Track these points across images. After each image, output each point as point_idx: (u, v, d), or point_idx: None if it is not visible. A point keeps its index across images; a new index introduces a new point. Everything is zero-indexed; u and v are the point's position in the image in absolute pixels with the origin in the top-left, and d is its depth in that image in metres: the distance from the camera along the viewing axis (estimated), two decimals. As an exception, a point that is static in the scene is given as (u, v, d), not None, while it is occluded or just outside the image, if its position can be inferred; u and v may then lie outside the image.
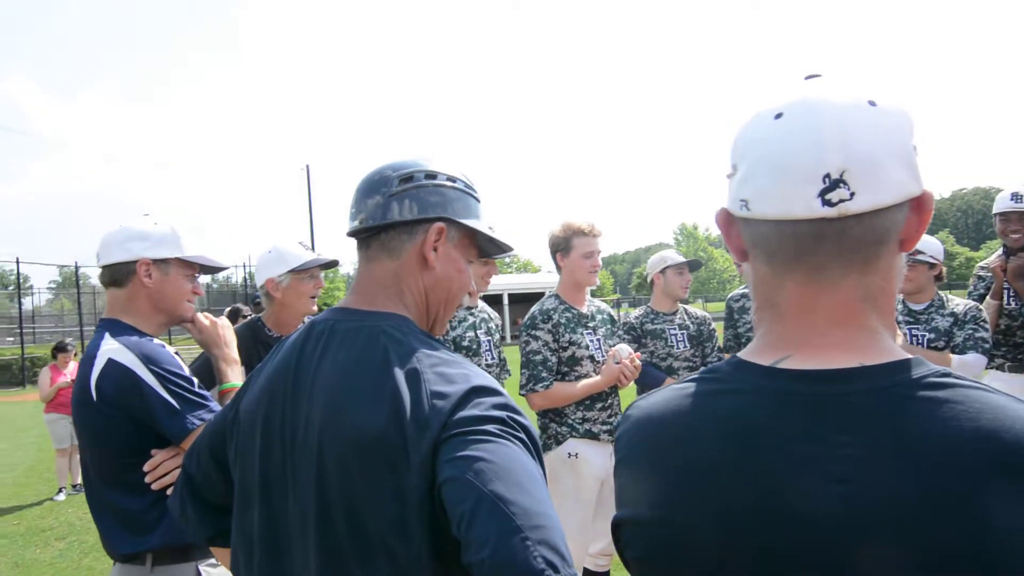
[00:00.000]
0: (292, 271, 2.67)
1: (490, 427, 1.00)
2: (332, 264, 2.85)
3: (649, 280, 3.89)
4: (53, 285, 46.36)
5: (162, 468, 1.80)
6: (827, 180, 0.70)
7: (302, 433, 1.12)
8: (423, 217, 1.22)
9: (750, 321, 3.48)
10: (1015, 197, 3.88)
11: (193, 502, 1.34)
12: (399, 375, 1.07)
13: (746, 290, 3.94)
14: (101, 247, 1.96)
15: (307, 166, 33.37)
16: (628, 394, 3.35)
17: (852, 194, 0.70)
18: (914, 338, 3.40)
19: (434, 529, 1.00)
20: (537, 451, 1.04)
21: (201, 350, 2.16)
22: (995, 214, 3.98)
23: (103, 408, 1.77)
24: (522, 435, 1.02)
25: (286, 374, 1.18)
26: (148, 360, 1.79)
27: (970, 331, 3.32)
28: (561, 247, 3.31)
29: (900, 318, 3.45)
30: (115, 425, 1.78)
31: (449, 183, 1.25)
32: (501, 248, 1.37)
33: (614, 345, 3.36)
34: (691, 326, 3.75)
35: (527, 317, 3.32)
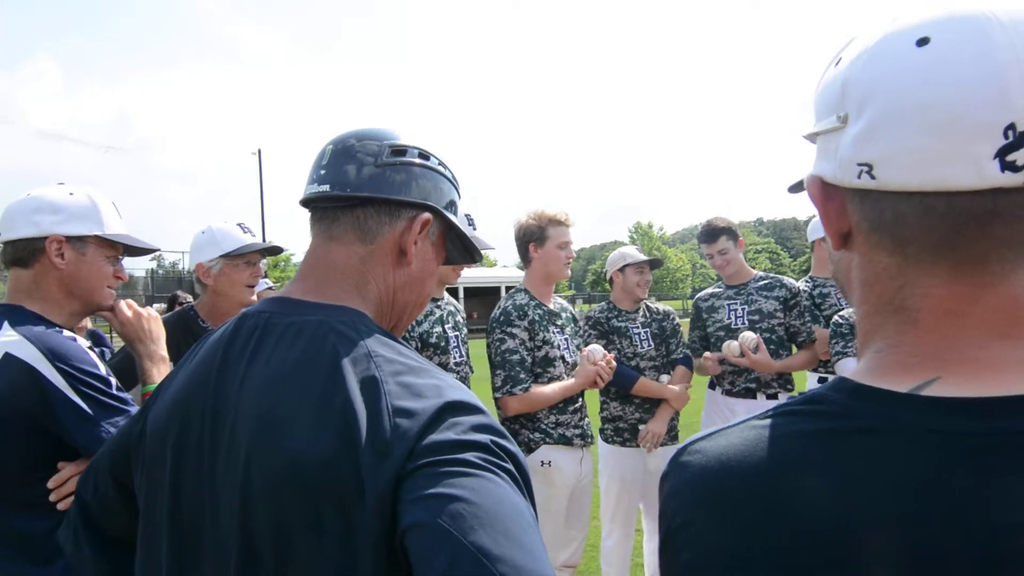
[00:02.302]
0: (225, 256, 2.38)
1: (470, 456, 0.78)
2: (274, 251, 2.58)
3: (608, 277, 3.70)
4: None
5: (70, 485, 1.51)
6: (1011, 134, 0.50)
7: (224, 457, 0.88)
8: (412, 200, 1.00)
9: (720, 320, 3.33)
10: None
11: (88, 535, 1.09)
12: (352, 385, 0.84)
13: (716, 289, 3.83)
14: (3, 219, 1.65)
15: (259, 150, 32.32)
16: (592, 396, 3.18)
17: None
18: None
19: None
20: (528, 486, 0.82)
21: (122, 344, 1.88)
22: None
23: None
24: (510, 466, 0.81)
25: (206, 380, 0.94)
26: (55, 356, 1.51)
27: None
28: (535, 237, 3.10)
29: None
30: (11, 432, 1.50)
31: (439, 168, 1.05)
32: (472, 257, 1.17)
33: (578, 345, 3.18)
34: (653, 324, 3.59)
35: (500, 313, 3.08)
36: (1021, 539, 0.48)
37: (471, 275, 35.09)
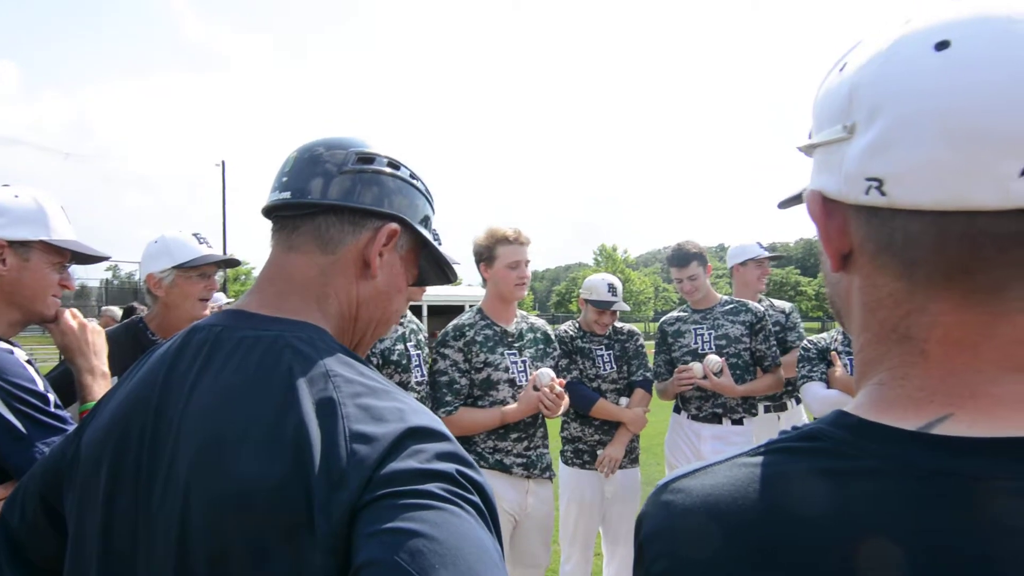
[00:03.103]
0: (178, 267, 2.28)
1: (433, 487, 0.72)
2: (230, 263, 2.48)
3: (579, 296, 3.69)
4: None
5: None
6: None
7: (162, 484, 0.81)
8: (378, 210, 0.95)
9: (686, 345, 3.29)
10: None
11: (13, 565, 0.99)
12: (307, 407, 0.77)
13: (681, 313, 3.82)
14: None
15: (223, 162, 31.83)
16: (554, 423, 3.10)
17: None
18: (855, 368, 3.31)
19: None
20: (495, 521, 0.76)
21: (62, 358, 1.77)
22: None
23: None
24: (476, 498, 0.75)
25: (147, 398, 0.86)
26: None
27: None
28: (484, 256, 2.98)
29: (839, 348, 3.37)
30: None
31: (411, 180, 1.00)
32: (447, 277, 1.11)
33: (544, 365, 3.07)
34: (616, 345, 3.55)
35: (440, 333, 2.99)
36: None
37: (435, 293, 34.72)
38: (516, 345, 3.00)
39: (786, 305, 4.13)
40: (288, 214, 0.95)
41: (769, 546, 0.50)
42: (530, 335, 3.10)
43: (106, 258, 1.78)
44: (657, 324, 3.89)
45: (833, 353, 3.33)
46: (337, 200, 0.93)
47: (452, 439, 0.80)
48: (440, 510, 0.71)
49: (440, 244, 1.08)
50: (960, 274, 0.50)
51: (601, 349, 3.49)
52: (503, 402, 2.90)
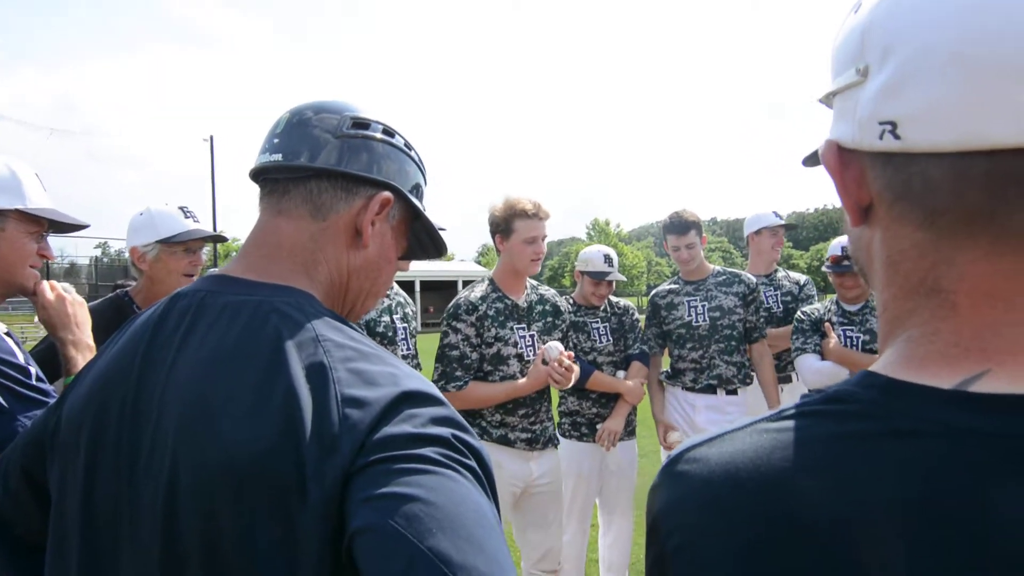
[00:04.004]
0: (162, 241, 2.24)
1: (428, 451, 0.70)
2: (217, 239, 2.43)
3: (573, 271, 3.65)
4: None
5: None
6: None
7: (147, 452, 0.78)
8: (371, 177, 0.91)
9: (679, 318, 3.28)
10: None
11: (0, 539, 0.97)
12: (296, 371, 0.75)
13: (673, 285, 3.80)
14: None
15: (211, 136, 31.43)
16: (552, 390, 3.09)
17: None
18: (848, 340, 3.31)
19: None
20: (491, 485, 0.74)
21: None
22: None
23: None
24: (472, 463, 0.73)
25: (129, 366, 0.83)
26: None
27: None
28: (501, 228, 2.92)
29: (834, 319, 3.36)
30: None
31: (405, 149, 0.96)
32: (437, 249, 1.08)
33: (553, 338, 3.03)
34: (612, 318, 3.54)
35: (451, 305, 2.96)
36: None
37: (428, 268, 34.83)
38: (526, 319, 2.98)
39: (801, 277, 4.09)
40: (278, 176, 0.92)
41: (797, 516, 0.47)
42: (539, 307, 3.07)
43: (85, 226, 1.73)
44: (649, 298, 3.86)
45: (827, 324, 3.32)
46: (330, 165, 0.90)
47: (447, 403, 0.78)
48: (436, 474, 0.68)
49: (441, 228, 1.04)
50: (984, 220, 0.47)
51: (597, 322, 3.48)
52: (512, 377, 2.89)
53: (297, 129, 0.91)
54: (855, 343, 3.28)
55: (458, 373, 2.83)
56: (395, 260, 1.00)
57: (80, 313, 1.66)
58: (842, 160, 0.54)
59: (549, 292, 3.19)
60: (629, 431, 3.46)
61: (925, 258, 0.50)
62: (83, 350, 1.61)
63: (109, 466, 0.80)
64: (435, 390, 0.79)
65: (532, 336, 2.98)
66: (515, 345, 2.92)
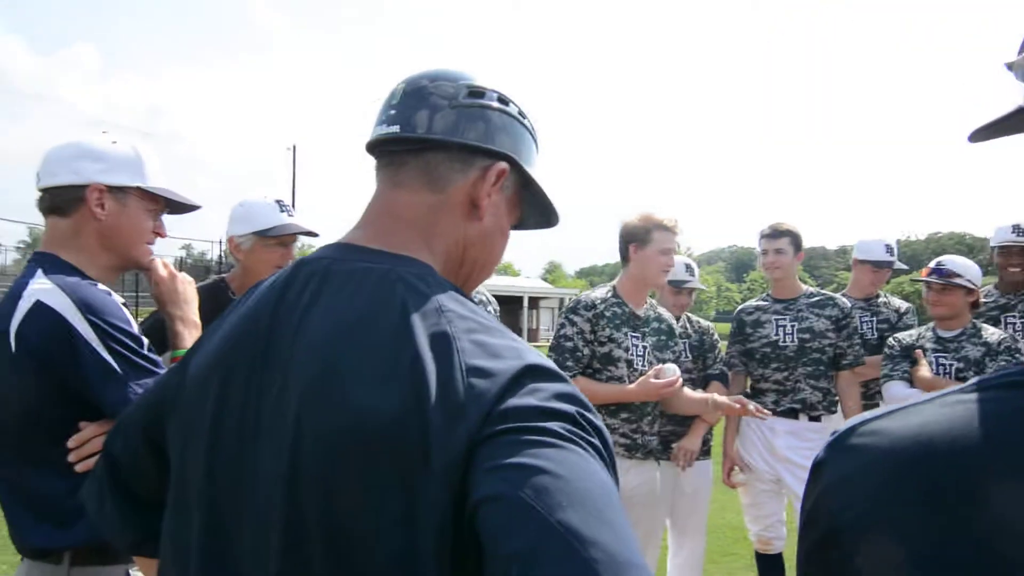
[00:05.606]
0: (256, 233, 2.30)
1: (554, 425, 0.68)
2: (310, 235, 2.49)
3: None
4: (22, 245, 45.25)
5: (91, 446, 1.43)
6: None
7: (271, 414, 0.78)
8: (488, 148, 0.90)
9: (766, 336, 3.17)
10: (1016, 230, 3.63)
11: (114, 495, 1.00)
12: (422, 340, 0.74)
13: (761, 302, 3.69)
14: (43, 166, 1.58)
15: (294, 146, 32.72)
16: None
17: None
18: (941, 367, 3.15)
19: (460, 571, 0.68)
20: (614, 465, 0.72)
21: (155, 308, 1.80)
22: (994, 247, 3.73)
23: (24, 361, 1.41)
24: (596, 441, 0.71)
25: (255, 328, 0.84)
26: (87, 308, 1.43)
27: (1004, 363, 3.06)
28: (639, 238, 3.00)
29: (927, 345, 3.21)
30: (36, 385, 1.42)
31: (520, 118, 0.95)
32: (550, 220, 1.06)
33: (664, 356, 3.04)
34: (693, 335, 3.48)
35: (572, 300, 3.05)
36: None
37: (494, 283, 35.02)
38: (641, 329, 3.02)
39: (902, 304, 3.92)
40: (395, 149, 0.92)
41: (1001, 495, 0.43)
42: (655, 324, 3.10)
43: (197, 207, 1.80)
44: (735, 314, 3.76)
45: (918, 351, 3.17)
46: (446, 136, 0.89)
47: (568, 380, 0.76)
48: (564, 448, 0.67)
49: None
50: None
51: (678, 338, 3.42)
52: (620, 380, 2.93)
53: (413, 99, 0.90)
54: (948, 371, 3.12)
55: (569, 363, 2.89)
56: (508, 231, 0.99)
57: (189, 291, 1.72)
58: None
59: (667, 314, 3.22)
60: (704, 451, 3.37)
61: None
62: (190, 327, 1.67)
63: (234, 424, 0.81)
64: (557, 367, 0.77)
65: (645, 347, 3.01)
66: (627, 350, 2.96)
